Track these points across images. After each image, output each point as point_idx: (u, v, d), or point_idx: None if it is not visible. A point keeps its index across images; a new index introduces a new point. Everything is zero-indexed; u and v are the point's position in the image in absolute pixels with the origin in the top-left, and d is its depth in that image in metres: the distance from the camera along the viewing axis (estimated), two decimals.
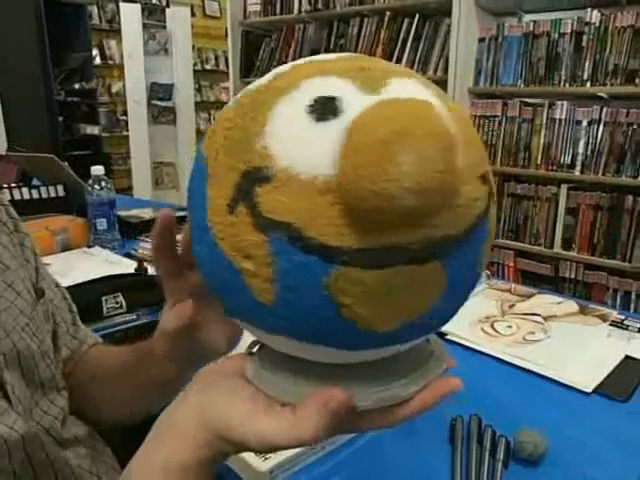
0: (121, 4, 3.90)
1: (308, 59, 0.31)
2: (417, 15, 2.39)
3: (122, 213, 1.37)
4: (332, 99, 0.26)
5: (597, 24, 1.93)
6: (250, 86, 0.31)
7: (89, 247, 1.20)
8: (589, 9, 1.94)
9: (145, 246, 1.23)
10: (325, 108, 0.25)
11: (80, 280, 0.89)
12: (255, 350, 0.35)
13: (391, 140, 0.22)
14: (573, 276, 2.12)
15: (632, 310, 1.97)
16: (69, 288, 0.82)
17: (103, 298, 0.83)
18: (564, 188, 2.09)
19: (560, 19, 2.02)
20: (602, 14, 1.92)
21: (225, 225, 0.26)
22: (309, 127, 0.25)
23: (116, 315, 0.85)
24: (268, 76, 0.31)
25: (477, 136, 0.30)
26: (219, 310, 0.31)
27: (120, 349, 0.56)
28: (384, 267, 0.25)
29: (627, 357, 0.75)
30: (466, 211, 0.26)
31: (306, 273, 0.25)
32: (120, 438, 0.58)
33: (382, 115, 0.23)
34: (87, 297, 0.82)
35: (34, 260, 0.54)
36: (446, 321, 0.32)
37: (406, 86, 0.28)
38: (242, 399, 0.31)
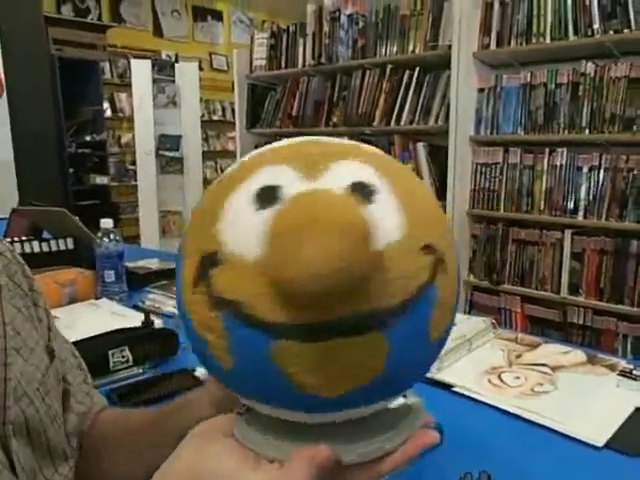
0: (132, 60, 4.06)
1: (269, 146, 0.35)
2: (417, 67, 2.48)
3: (129, 264, 1.39)
4: (274, 188, 0.29)
5: (592, 75, 1.99)
6: (225, 171, 0.35)
7: (97, 299, 1.21)
8: (584, 61, 2.00)
9: (152, 297, 1.24)
10: (266, 197, 0.29)
11: (87, 333, 0.90)
12: (243, 410, 0.37)
13: (299, 229, 0.25)
14: (582, 322, 2.10)
15: None
16: (76, 343, 0.83)
17: (110, 352, 0.84)
18: (568, 233, 2.11)
19: (556, 70, 2.08)
20: (597, 65, 1.99)
21: (191, 301, 0.30)
22: (252, 215, 0.29)
23: (122, 369, 0.85)
24: (235, 165, 0.34)
25: (428, 203, 0.32)
26: None
27: (141, 410, 0.57)
28: (320, 340, 0.27)
29: (637, 409, 0.74)
30: (401, 283, 0.28)
31: (253, 346, 0.28)
32: None
33: (299, 205, 0.26)
34: (94, 352, 0.83)
35: (46, 319, 0.55)
36: (413, 380, 0.34)
37: (345, 169, 0.31)
38: (231, 456, 0.32)
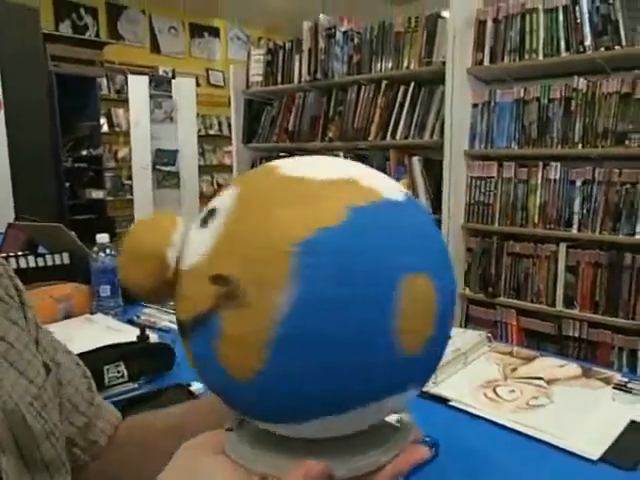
0: (129, 76, 4.09)
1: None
2: (412, 83, 2.51)
3: None
4: (213, 210, 0.34)
5: (584, 90, 2.02)
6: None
7: (92, 314, 1.21)
8: (576, 76, 2.03)
9: (147, 312, 1.24)
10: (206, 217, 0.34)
11: (81, 348, 0.89)
12: (233, 427, 0.37)
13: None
14: (577, 335, 2.11)
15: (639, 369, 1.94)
16: None
17: (105, 367, 0.83)
18: (563, 246, 2.12)
19: (549, 85, 2.11)
20: (589, 81, 2.02)
21: None
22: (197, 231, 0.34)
23: (118, 384, 0.84)
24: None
25: (260, 237, 0.31)
26: None
27: (167, 412, 0.58)
28: None
29: (632, 422, 0.75)
30: (189, 303, 0.33)
31: None
32: None
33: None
34: (90, 366, 0.82)
35: (35, 331, 0.54)
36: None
37: (224, 193, 0.36)
38: (223, 472, 0.33)
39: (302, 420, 0.32)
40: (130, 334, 1.02)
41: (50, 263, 1.28)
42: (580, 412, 0.78)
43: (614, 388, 0.85)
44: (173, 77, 5.22)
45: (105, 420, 0.57)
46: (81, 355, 0.85)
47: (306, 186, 0.32)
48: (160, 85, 3.87)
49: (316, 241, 0.29)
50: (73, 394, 0.55)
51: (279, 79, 3.05)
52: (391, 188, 0.34)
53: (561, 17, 2.04)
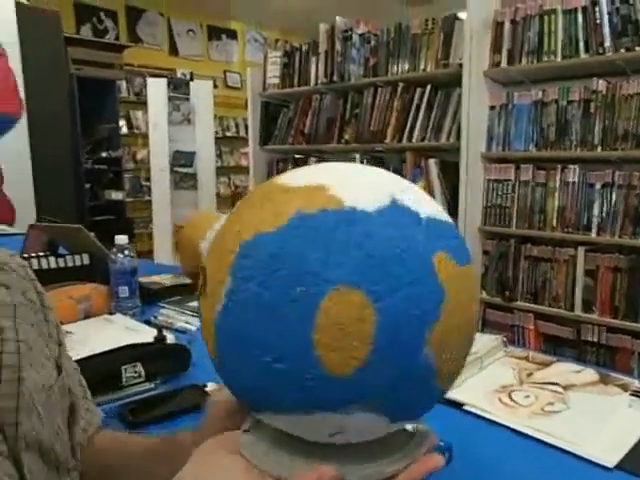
0: (148, 79, 4.14)
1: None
2: (429, 85, 2.50)
3: (143, 279, 1.40)
4: None
5: (604, 92, 1.99)
6: None
7: (110, 314, 1.23)
8: (595, 78, 2.00)
9: (165, 313, 1.26)
10: None
11: (100, 348, 0.91)
12: (250, 428, 0.38)
13: None
14: (596, 339, 2.08)
15: None
16: (91, 357, 0.85)
17: (123, 367, 0.85)
18: (581, 250, 2.09)
19: (568, 87, 2.09)
20: (608, 82, 1.99)
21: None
22: None
23: (135, 384, 0.86)
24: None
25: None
26: None
27: (142, 437, 0.57)
28: None
29: None
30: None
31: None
32: None
33: None
34: (108, 366, 0.84)
35: (56, 334, 0.56)
36: None
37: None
38: (237, 473, 0.33)
39: (263, 411, 0.34)
40: (148, 334, 1.03)
41: (70, 264, 1.30)
42: (596, 419, 0.77)
43: (631, 395, 0.84)
44: (191, 79, 5.27)
45: (91, 430, 0.58)
46: (100, 355, 0.87)
47: (275, 191, 0.34)
48: (178, 87, 3.91)
49: (252, 244, 0.31)
50: (75, 399, 0.56)
51: (295, 81, 3.06)
52: (365, 197, 0.32)
53: (580, 18, 2.01)
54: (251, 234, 0.31)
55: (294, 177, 0.35)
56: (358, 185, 0.33)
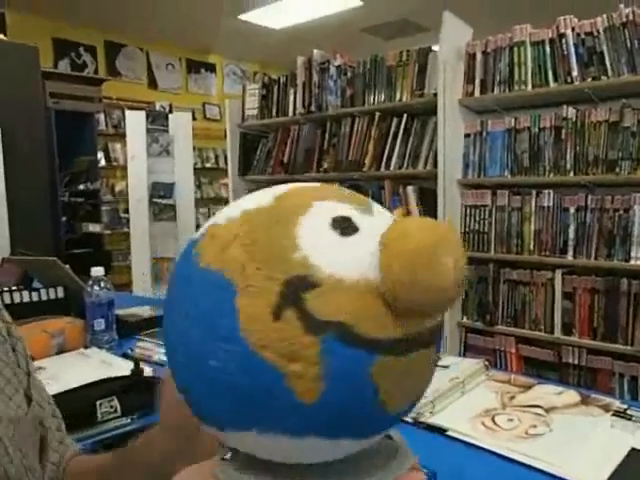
0: (127, 111, 4.15)
1: (291, 185, 0.36)
2: (405, 114, 2.55)
3: (120, 312, 1.38)
4: (348, 219, 0.31)
5: (574, 119, 2.05)
6: (247, 205, 0.33)
7: (86, 348, 1.20)
8: (564, 106, 2.07)
9: (142, 345, 1.23)
10: (346, 225, 0.31)
11: (75, 383, 0.88)
12: (228, 455, 0.36)
13: (434, 247, 0.29)
14: (577, 362, 2.09)
15: None
16: (65, 393, 0.82)
17: (98, 403, 0.82)
18: (559, 273, 2.12)
19: (539, 115, 2.15)
20: (577, 110, 2.05)
21: (269, 332, 0.28)
22: (338, 240, 0.30)
23: (110, 420, 0.83)
24: (266, 197, 0.33)
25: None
26: None
27: (102, 455, 0.56)
28: (408, 353, 0.30)
29: (633, 449, 0.74)
30: None
31: (354, 366, 0.28)
32: None
33: (415, 229, 0.30)
34: (82, 402, 0.82)
35: (26, 365, 0.54)
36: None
37: (377, 207, 0.35)
38: None
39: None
40: (124, 368, 1.01)
41: (45, 297, 1.27)
42: (579, 440, 0.77)
43: (613, 415, 0.84)
44: (170, 112, 5.29)
45: (67, 456, 0.57)
46: (73, 390, 0.84)
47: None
48: (157, 120, 3.92)
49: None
50: (45, 433, 0.55)
51: (274, 112, 3.10)
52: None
53: (548, 49, 2.09)
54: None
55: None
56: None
